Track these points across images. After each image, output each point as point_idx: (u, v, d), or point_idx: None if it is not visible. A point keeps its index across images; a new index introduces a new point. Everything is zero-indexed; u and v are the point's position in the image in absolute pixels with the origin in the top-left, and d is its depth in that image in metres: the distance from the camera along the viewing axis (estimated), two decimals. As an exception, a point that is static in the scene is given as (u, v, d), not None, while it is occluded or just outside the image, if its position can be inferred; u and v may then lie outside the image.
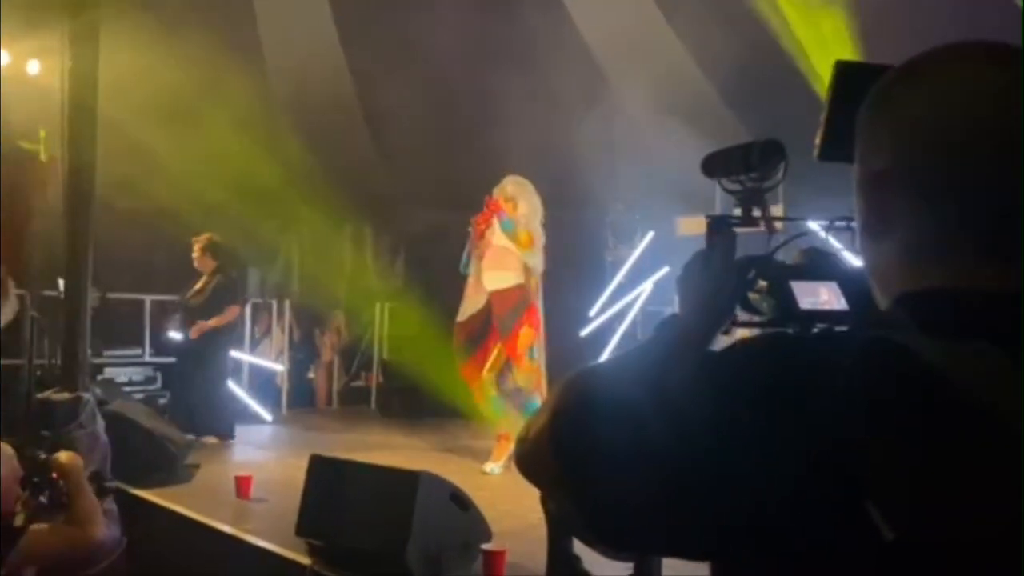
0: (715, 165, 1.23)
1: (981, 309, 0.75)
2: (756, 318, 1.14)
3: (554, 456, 0.80)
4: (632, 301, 8.17)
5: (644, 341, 1.05)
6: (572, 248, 8.63)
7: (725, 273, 1.09)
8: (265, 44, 8.81)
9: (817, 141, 1.03)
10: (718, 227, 1.15)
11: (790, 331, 0.83)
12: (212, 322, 7.07)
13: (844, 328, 0.82)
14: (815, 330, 1.07)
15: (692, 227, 8.33)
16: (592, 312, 8.31)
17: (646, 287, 8.10)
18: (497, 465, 5.69)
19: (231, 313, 7.28)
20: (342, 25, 8.75)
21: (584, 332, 8.25)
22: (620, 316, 8.18)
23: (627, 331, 8.06)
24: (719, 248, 1.12)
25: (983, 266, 0.77)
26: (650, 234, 8.32)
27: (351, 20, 8.57)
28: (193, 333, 7.09)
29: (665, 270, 7.79)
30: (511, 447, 5.26)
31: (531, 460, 0.85)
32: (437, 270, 9.21)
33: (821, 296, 1.08)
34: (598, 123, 7.70)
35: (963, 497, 0.67)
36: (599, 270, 8.72)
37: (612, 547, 0.85)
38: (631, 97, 8.15)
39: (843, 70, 1.05)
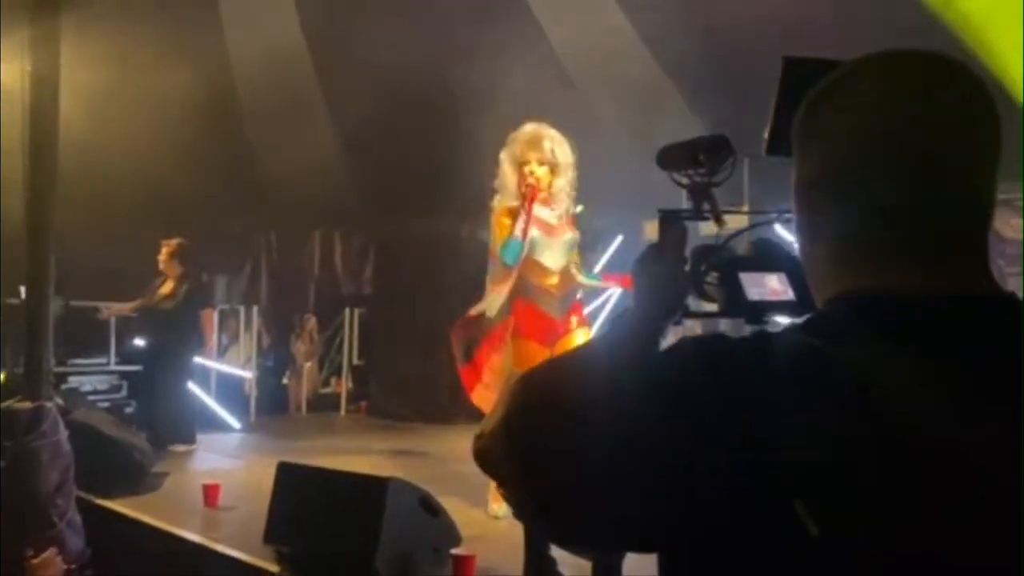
0: (667, 159, 1.25)
1: (903, 312, 0.77)
2: (708, 308, 1.16)
3: (507, 451, 0.82)
4: (601, 305, 8.20)
5: (599, 336, 1.08)
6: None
7: (676, 266, 1.11)
8: (232, 51, 8.75)
9: (765, 136, 1.05)
10: (669, 220, 1.17)
11: (726, 333, 0.85)
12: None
13: (779, 328, 0.84)
14: (764, 320, 1.10)
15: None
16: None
17: (615, 289, 8.13)
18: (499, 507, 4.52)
19: (204, 318, 7.28)
20: (310, 34, 8.71)
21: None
22: (590, 318, 8.21)
23: (597, 333, 8.08)
24: (670, 241, 1.14)
25: (907, 271, 0.79)
26: (619, 238, 8.37)
27: (319, 30, 8.53)
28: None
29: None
30: None
31: (487, 455, 0.87)
32: (407, 275, 9.20)
33: (769, 287, 1.09)
34: (565, 128, 7.73)
35: (877, 497, 0.69)
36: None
37: (559, 540, 0.88)
38: (598, 101, 8.20)
39: (791, 65, 1.07)
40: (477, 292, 8.82)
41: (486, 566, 3.72)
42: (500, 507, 4.43)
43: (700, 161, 1.21)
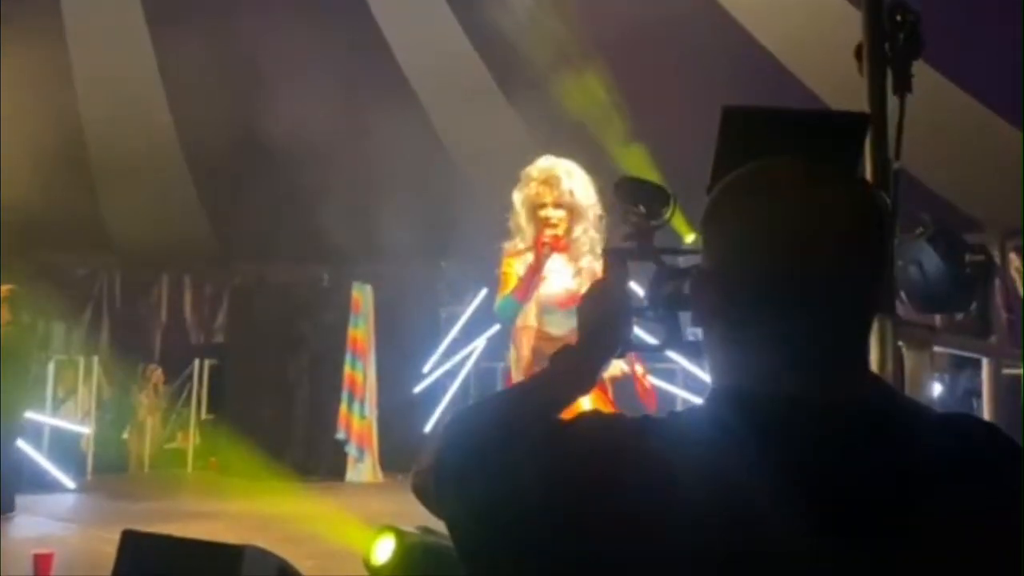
0: (618, 194, 1.31)
1: (771, 415, 0.82)
2: (649, 342, 1.26)
3: (433, 485, 0.92)
4: (466, 357, 8.21)
5: (540, 371, 1.11)
6: (406, 303, 8.60)
7: (617, 302, 1.14)
8: (80, 89, 8.32)
9: (709, 178, 1.09)
10: (613, 259, 1.20)
11: (621, 417, 0.91)
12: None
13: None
14: (699, 358, 1.20)
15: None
16: (426, 368, 8.27)
17: (479, 343, 8.16)
18: None
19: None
20: (166, 75, 8.41)
21: (418, 388, 8.19)
22: (453, 372, 8.20)
23: (460, 387, 8.08)
24: (614, 279, 1.18)
25: (781, 373, 0.84)
26: (484, 291, 8.43)
27: (176, 71, 8.25)
28: None
29: (497, 327, 7.90)
30: None
31: (421, 488, 0.97)
32: (263, 324, 8.91)
33: None
34: (433, 179, 7.76)
35: None
36: (433, 326, 8.71)
37: (466, 570, 0.93)
38: (464, 152, 8.28)
39: (729, 115, 1.11)
40: (336, 343, 8.67)
41: (347, 637, 3.58)
42: None
43: (639, 203, 1.27)
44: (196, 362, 9.30)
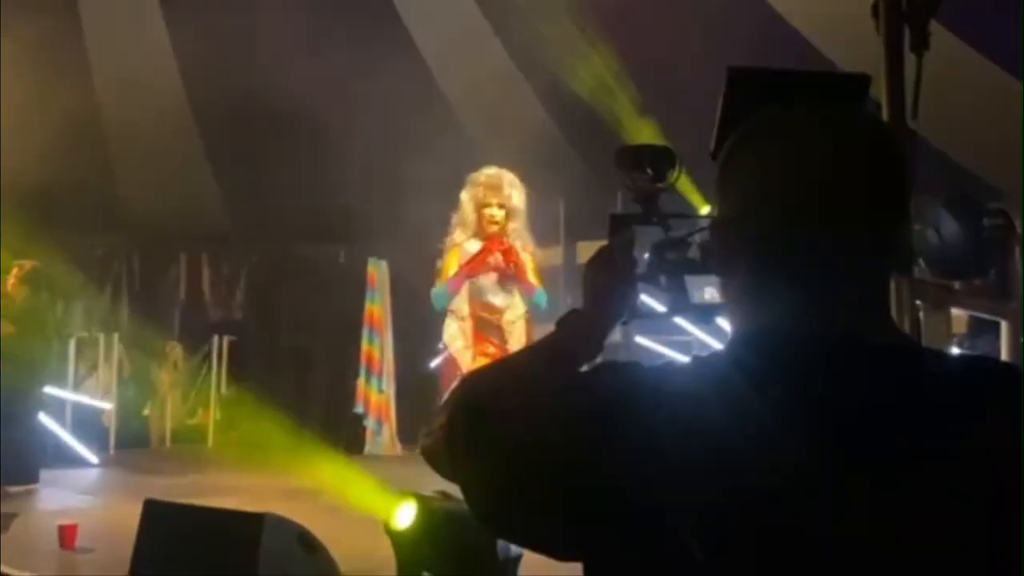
0: (619, 162, 1.30)
1: (797, 357, 0.82)
2: (656, 309, 1.24)
3: (446, 447, 0.90)
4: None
5: (546, 336, 1.10)
6: (421, 279, 8.60)
7: (624, 269, 1.14)
8: (96, 70, 8.34)
9: (712, 141, 1.09)
10: (618, 224, 1.19)
11: (638, 363, 0.91)
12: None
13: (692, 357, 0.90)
14: (709, 321, 1.20)
15: (537, 259, 8.49)
16: (441, 344, 8.28)
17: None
18: None
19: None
20: (182, 55, 8.41)
21: (434, 363, 8.21)
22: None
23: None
24: (618, 244, 1.16)
25: (805, 315, 0.84)
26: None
27: (192, 52, 8.25)
28: None
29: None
30: None
31: (432, 451, 0.96)
32: (280, 301, 8.96)
33: (712, 290, 1.14)
34: (448, 154, 7.74)
35: (745, 533, 0.76)
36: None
37: (484, 530, 0.93)
38: (480, 128, 8.26)
39: (735, 75, 1.11)
40: (353, 318, 8.73)
41: (367, 603, 3.63)
42: None
43: (645, 168, 1.25)
44: (215, 339, 9.36)
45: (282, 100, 7.67)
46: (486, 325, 4.68)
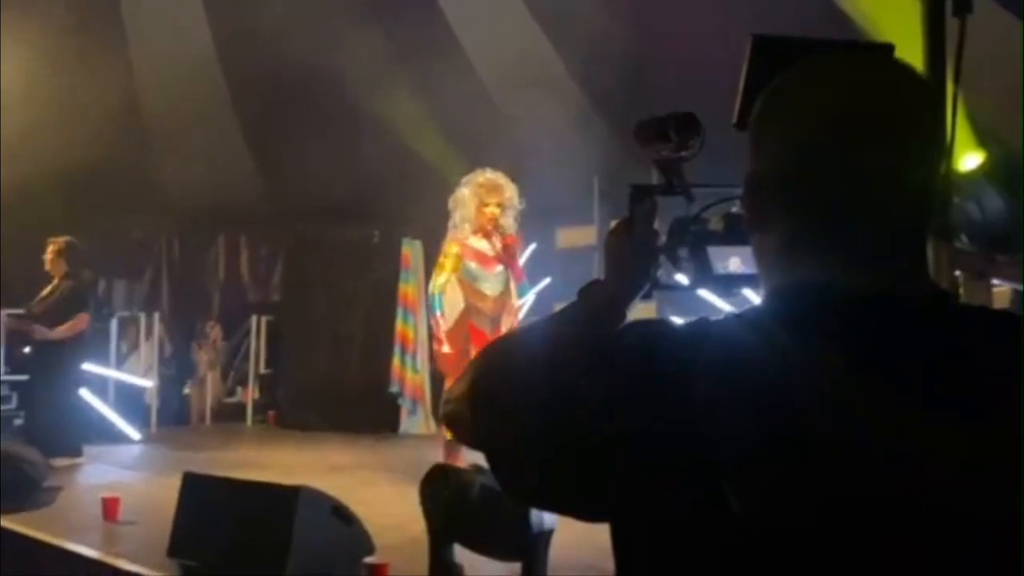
0: (639, 134, 1.27)
1: (838, 307, 0.80)
2: (677, 281, 1.20)
3: (470, 413, 0.90)
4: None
5: (567, 305, 1.08)
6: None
7: (645, 240, 1.12)
8: (136, 54, 8.46)
9: (735, 111, 1.07)
10: (639, 195, 1.17)
11: (666, 320, 0.89)
12: (61, 330, 6.67)
13: (721, 315, 0.87)
14: (732, 293, 1.15)
15: (572, 239, 8.45)
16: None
17: (529, 298, 8.16)
18: None
19: (80, 321, 6.78)
20: (219, 40, 8.49)
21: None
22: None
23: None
24: (640, 215, 1.14)
25: (847, 267, 0.82)
26: (532, 246, 8.41)
27: (229, 37, 8.32)
28: (34, 333, 6.67)
29: (547, 281, 7.88)
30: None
31: (454, 416, 0.94)
32: (316, 281, 9.04)
33: (735, 260, 1.12)
34: (482, 137, 7.74)
35: (794, 477, 0.74)
36: (482, 281, 8.74)
37: (510, 496, 0.91)
38: (514, 112, 8.24)
39: (759, 43, 1.09)
40: (387, 298, 8.77)
41: (399, 574, 3.67)
42: None
43: (669, 137, 1.22)
44: (253, 319, 9.48)
45: (318, 81, 7.72)
46: (478, 313, 5.37)
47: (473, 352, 4.78)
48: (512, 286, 5.52)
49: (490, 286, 5.41)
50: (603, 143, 7.27)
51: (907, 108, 0.83)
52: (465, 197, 5.29)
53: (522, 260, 6.18)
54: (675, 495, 0.76)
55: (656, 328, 0.85)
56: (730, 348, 0.79)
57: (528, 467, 0.84)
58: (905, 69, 0.87)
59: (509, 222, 5.34)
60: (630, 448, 0.78)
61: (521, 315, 8.24)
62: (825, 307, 0.80)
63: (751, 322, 0.82)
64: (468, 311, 5.34)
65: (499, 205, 5.26)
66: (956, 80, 2.01)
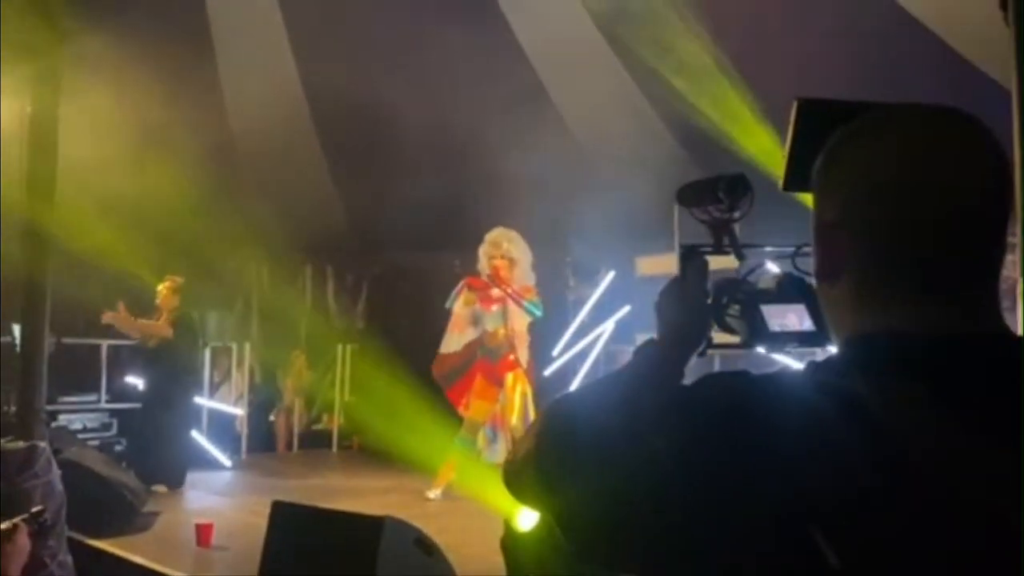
0: (687, 195, 1.28)
1: (917, 352, 0.80)
2: (731, 340, 1.19)
3: (536, 474, 0.89)
4: (594, 340, 8.21)
5: (623, 366, 1.09)
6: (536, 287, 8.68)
7: (698, 299, 1.14)
8: (224, 84, 8.82)
9: (783, 173, 1.08)
10: (690, 254, 1.19)
11: (747, 370, 0.89)
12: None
13: (799, 367, 0.87)
14: (786, 350, 1.16)
15: (651, 267, 8.41)
16: (555, 351, 8.34)
17: (608, 326, 8.15)
18: (438, 491, 6.49)
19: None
20: (306, 76, 8.79)
21: (547, 371, 8.27)
22: (583, 355, 8.22)
23: (590, 370, 8.10)
24: (691, 274, 1.16)
25: (923, 311, 0.82)
26: (611, 273, 8.40)
27: (312, 60, 8.62)
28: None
29: (626, 309, 7.86)
30: (450, 476, 6.50)
31: (516, 478, 0.94)
32: (400, 310, 9.21)
33: (790, 318, 1.12)
34: (559, 167, 7.79)
35: (893, 530, 0.72)
36: (561, 309, 8.76)
37: (578, 557, 0.90)
38: (591, 140, 8.28)
39: (804, 107, 1.11)
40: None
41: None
42: (437, 491, 6.47)
43: (720, 198, 1.23)
44: (339, 347, 9.69)
45: (400, 111, 7.90)
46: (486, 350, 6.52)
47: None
48: (514, 313, 6.47)
49: (490, 322, 6.59)
50: (683, 173, 7.24)
51: (976, 167, 0.84)
52: (479, 252, 6.62)
53: (599, 291, 7.14)
54: (764, 551, 0.75)
55: (736, 380, 0.84)
56: (815, 399, 0.77)
57: (600, 534, 0.84)
58: (971, 118, 0.88)
59: (515, 273, 6.50)
60: (715, 507, 0.76)
61: (600, 343, 8.26)
62: (904, 353, 0.80)
63: (833, 370, 0.82)
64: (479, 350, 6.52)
65: (502, 257, 6.49)
66: None
